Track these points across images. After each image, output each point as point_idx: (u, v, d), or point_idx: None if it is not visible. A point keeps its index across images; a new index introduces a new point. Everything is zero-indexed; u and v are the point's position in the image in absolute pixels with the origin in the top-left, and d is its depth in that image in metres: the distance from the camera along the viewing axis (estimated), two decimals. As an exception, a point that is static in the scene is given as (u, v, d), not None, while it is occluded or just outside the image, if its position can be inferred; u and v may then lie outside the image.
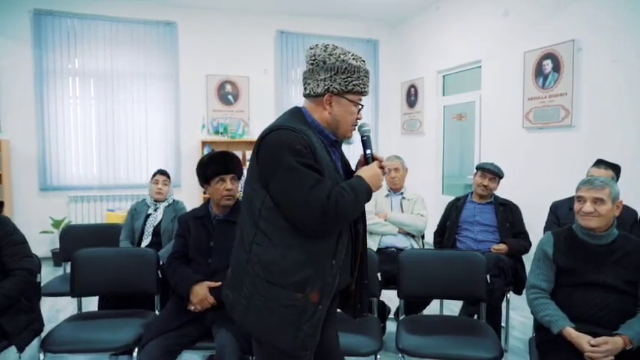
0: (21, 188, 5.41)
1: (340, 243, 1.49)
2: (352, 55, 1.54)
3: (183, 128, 6.00)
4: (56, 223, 5.29)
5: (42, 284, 3.13)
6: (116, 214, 5.40)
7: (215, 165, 2.23)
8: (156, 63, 5.86)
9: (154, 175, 3.12)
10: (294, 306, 1.42)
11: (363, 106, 1.59)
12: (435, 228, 3.42)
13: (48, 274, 4.78)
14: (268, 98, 6.31)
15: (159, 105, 5.91)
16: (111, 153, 5.72)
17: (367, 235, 1.77)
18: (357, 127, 1.60)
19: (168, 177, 3.06)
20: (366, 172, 1.52)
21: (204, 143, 5.93)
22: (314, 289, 1.44)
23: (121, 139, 5.76)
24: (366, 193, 1.48)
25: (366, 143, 1.59)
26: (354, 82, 1.51)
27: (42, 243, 5.25)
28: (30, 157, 5.44)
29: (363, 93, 1.55)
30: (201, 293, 2.10)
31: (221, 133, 6.07)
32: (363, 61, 1.57)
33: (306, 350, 1.46)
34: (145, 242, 2.96)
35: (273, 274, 1.43)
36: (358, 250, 1.62)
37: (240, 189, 2.24)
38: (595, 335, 1.84)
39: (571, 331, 1.88)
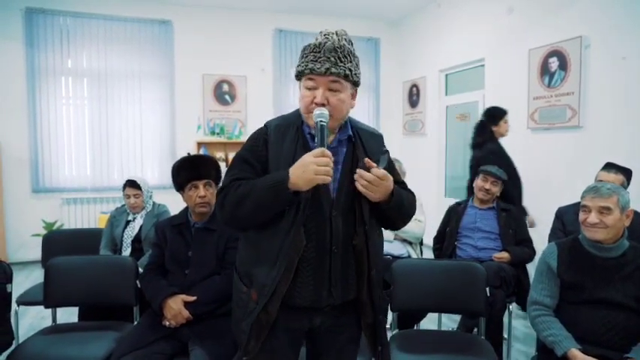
0: (13, 190, 5.30)
1: (283, 247, 1.31)
2: (325, 35, 1.38)
3: (178, 129, 5.87)
4: (48, 226, 5.18)
5: (27, 290, 3.05)
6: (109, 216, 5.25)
7: (186, 171, 2.09)
8: (151, 62, 5.73)
9: (124, 189, 2.95)
10: (241, 299, 1.44)
11: (341, 88, 1.33)
12: (436, 233, 3.24)
13: (39, 278, 4.68)
14: (266, 98, 6.17)
15: (154, 105, 5.78)
16: (105, 154, 5.60)
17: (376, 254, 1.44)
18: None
19: (139, 187, 2.89)
20: (296, 163, 1.28)
21: (199, 144, 5.79)
22: (254, 286, 1.39)
23: (114, 140, 5.64)
24: (272, 187, 1.26)
25: (315, 132, 1.32)
26: (298, 64, 1.39)
27: (34, 246, 5.12)
28: (22, 158, 5.33)
29: (302, 74, 1.35)
30: (174, 308, 1.95)
31: (217, 134, 5.94)
32: (326, 36, 1.37)
33: (241, 345, 1.40)
34: (126, 253, 2.84)
35: (237, 263, 1.51)
36: (363, 270, 1.39)
37: None
38: (603, 359, 1.68)
39: (577, 354, 1.71)
